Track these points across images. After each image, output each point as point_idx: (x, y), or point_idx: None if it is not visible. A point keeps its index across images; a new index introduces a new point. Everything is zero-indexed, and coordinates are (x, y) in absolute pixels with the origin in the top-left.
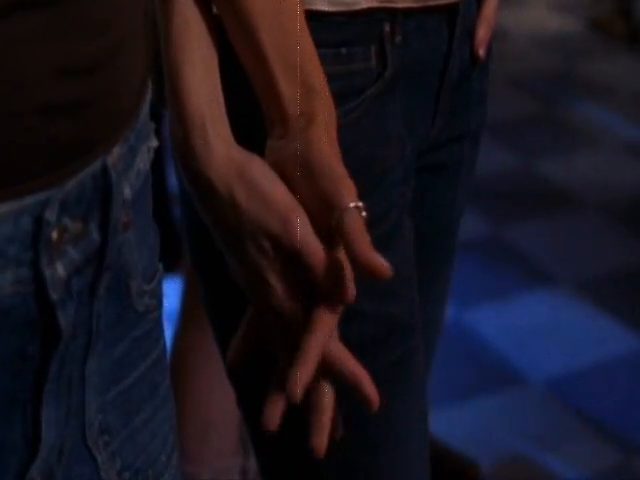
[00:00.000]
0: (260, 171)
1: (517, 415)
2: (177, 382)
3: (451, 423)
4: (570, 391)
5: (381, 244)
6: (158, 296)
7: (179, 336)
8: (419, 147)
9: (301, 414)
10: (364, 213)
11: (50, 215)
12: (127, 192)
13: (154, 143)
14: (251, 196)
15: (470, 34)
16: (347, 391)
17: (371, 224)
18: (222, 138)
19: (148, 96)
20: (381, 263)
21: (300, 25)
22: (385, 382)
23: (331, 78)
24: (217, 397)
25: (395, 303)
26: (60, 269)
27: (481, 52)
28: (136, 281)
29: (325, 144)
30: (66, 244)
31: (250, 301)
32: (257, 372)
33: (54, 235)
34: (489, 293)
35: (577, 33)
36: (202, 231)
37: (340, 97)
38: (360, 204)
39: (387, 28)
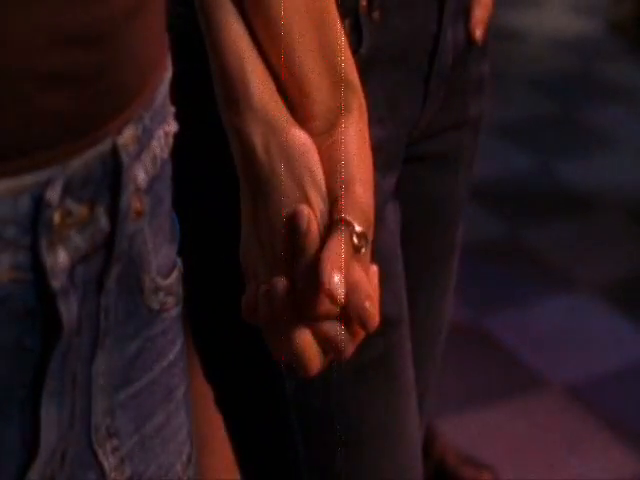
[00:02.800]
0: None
1: (536, 419)
2: None
3: (470, 427)
4: (590, 395)
5: None
6: (176, 293)
7: None
8: (408, 133)
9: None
10: (355, 239)
11: (51, 196)
12: (141, 178)
13: (173, 128)
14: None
15: (465, 14)
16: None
17: None
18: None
19: (167, 75)
20: (334, 293)
21: (336, 20)
22: (366, 380)
23: None
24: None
25: None
26: (62, 256)
27: (477, 33)
28: (150, 275)
29: (354, 139)
30: (70, 229)
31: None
32: (235, 372)
33: (56, 218)
34: (508, 297)
35: (596, 35)
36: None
37: None
38: (358, 228)
39: (363, 2)
